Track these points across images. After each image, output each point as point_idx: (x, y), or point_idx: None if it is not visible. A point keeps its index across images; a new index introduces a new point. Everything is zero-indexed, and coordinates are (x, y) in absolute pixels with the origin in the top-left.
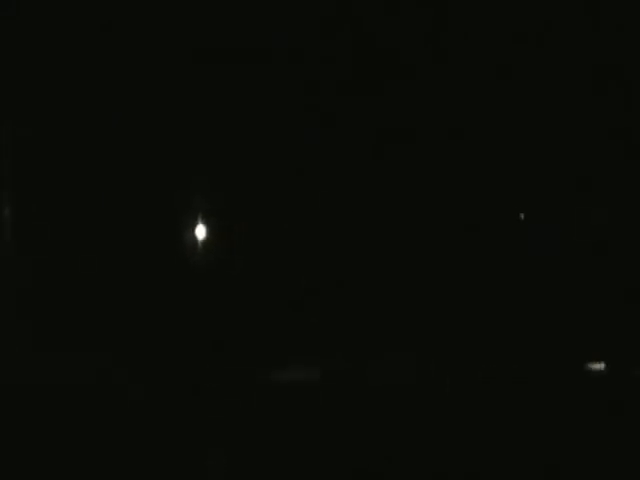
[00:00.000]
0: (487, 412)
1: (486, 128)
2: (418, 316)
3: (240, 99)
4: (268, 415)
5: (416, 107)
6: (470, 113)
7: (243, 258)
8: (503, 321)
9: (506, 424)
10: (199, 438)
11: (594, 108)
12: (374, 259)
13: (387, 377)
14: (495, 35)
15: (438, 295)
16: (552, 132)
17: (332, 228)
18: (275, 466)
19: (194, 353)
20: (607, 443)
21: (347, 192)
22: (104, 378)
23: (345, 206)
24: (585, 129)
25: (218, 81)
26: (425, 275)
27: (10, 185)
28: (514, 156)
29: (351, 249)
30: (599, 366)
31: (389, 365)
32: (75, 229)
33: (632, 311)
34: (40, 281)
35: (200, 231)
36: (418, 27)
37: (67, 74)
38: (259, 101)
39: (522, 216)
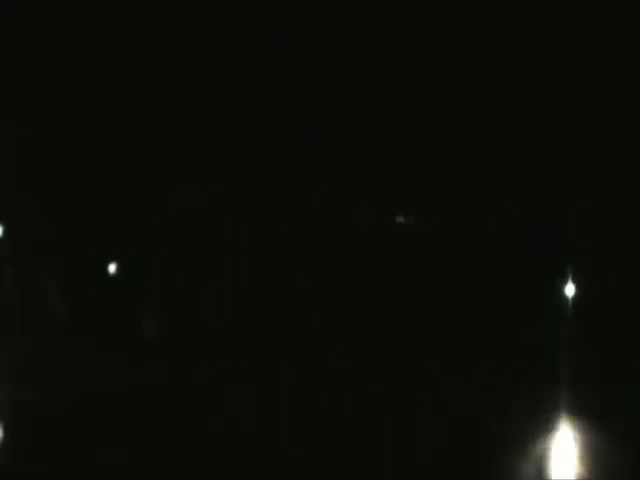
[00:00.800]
0: None
1: (486, 128)
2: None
3: (240, 99)
4: None
5: (416, 107)
6: (470, 113)
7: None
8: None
9: None
10: None
11: (594, 108)
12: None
13: None
14: (495, 35)
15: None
16: (552, 132)
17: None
18: None
19: None
20: None
21: (347, 193)
22: None
23: (344, 208)
24: (585, 129)
25: (218, 81)
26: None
27: (10, 185)
28: (513, 156)
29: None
30: None
31: None
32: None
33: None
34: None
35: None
36: (418, 27)
37: (67, 74)
38: (259, 101)
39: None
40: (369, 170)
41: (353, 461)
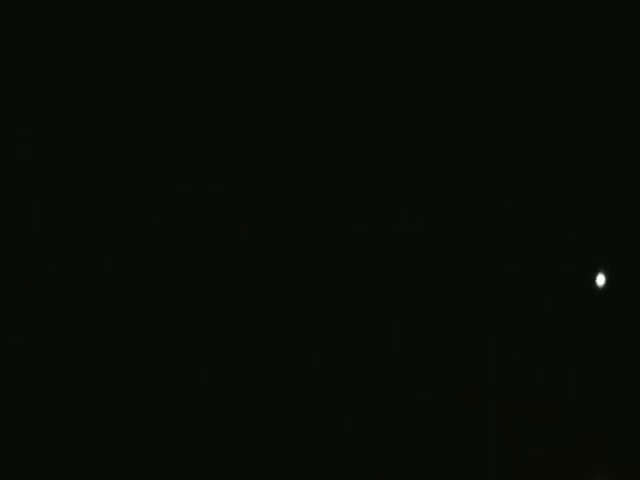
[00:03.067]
0: None
1: (484, 127)
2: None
3: (239, 99)
4: None
5: (415, 106)
6: (469, 113)
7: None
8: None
9: None
10: None
11: (594, 108)
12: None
13: None
14: (493, 35)
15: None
16: (551, 132)
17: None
18: None
19: None
20: None
21: (345, 192)
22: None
23: (342, 207)
24: (584, 129)
25: (217, 80)
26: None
27: (11, 184)
28: (514, 156)
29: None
30: None
31: None
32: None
33: None
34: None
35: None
36: (418, 27)
37: (67, 74)
38: (258, 101)
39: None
40: (368, 170)
41: None
